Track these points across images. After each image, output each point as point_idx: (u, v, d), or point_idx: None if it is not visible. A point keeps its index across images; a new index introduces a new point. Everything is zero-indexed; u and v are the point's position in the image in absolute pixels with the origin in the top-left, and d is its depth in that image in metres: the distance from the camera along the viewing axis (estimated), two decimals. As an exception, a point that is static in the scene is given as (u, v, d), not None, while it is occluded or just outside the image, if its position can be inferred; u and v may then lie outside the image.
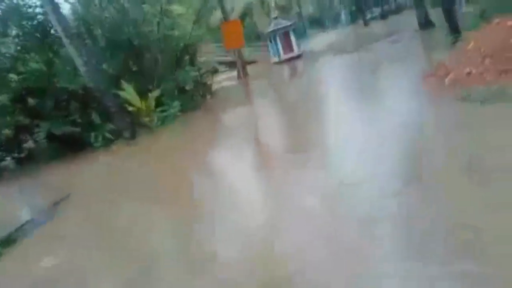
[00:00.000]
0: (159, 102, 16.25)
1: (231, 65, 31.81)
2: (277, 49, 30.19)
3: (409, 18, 33.40)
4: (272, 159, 8.68)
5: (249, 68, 32.47)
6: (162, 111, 15.67)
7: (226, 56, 33.54)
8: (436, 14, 25.02)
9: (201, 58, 22.11)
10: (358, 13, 51.57)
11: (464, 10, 15.33)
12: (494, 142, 5.83)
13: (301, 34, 47.54)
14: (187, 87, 17.43)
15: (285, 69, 26.80)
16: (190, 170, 9.16)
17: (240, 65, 26.84)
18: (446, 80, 9.19)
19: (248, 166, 8.57)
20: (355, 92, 12.43)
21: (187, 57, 19.89)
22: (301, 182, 6.60)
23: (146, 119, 14.79)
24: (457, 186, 5.00)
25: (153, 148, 12.53)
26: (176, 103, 16.15)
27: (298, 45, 31.03)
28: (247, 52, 36.54)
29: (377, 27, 38.66)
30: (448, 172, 5.41)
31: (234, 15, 45.71)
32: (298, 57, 29.70)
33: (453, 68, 9.35)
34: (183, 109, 17.16)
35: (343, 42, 31.92)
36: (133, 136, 13.83)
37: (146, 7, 16.90)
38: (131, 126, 14.52)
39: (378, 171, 6.06)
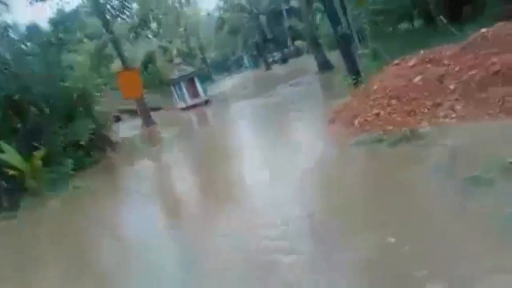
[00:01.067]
0: (48, 162, 14.24)
1: (135, 113, 30.16)
2: (183, 95, 29.37)
3: (308, 61, 35.05)
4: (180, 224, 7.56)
5: (154, 115, 31.11)
6: (52, 171, 13.68)
7: (130, 104, 31.82)
8: (333, 57, 26.37)
9: (98, 108, 20.42)
10: (259, 57, 53.22)
11: (360, 52, 15.88)
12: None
13: (206, 79, 47.55)
14: (82, 142, 15.61)
15: (192, 116, 25.99)
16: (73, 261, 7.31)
17: (144, 113, 25.43)
18: (355, 123, 8.95)
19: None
20: (262, 141, 11.94)
21: (81, 108, 18.06)
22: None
23: (31, 183, 12.71)
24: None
25: (35, 221, 10.57)
26: (68, 161, 14.26)
27: (204, 91, 30.56)
28: (150, 99, 35.23)
29: (279, 70, 40.02)
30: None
31: (137, 61, 44.48)
32: (206, 102, 29.16)
33: (359, 110, 9.18)
34: (79, 167, 15.27)
35: (247, 87, 32.27)
36: (13, 207, 11.66)
37: (32, 59, 15.12)
38: (11, 194, 12.37)
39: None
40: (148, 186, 11.26)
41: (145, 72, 42.73)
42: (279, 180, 7.51)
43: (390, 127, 8.00)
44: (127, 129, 25.75)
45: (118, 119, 33.50)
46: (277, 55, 53.48)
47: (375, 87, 9.38)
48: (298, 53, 51.38)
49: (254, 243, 5.45)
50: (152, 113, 32.16)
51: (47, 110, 15.61)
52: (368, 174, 6.81)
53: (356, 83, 14.21)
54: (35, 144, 14.73)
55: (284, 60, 49.91)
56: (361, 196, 6.02)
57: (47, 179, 13.32)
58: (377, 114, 8.62)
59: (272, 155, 9.66)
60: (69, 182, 13.45)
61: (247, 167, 9.42)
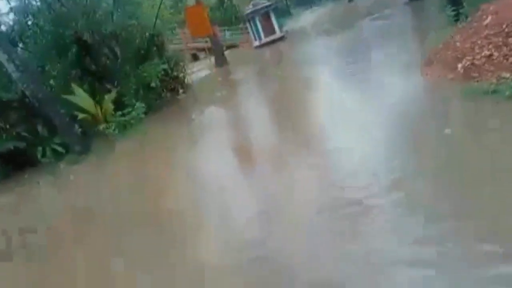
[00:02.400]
0: (120, 105, 14.09)
1: (210, 51, 29.38)
2: (258, 32, 27.84)
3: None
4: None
5: (229, 53, 30.13)
6: (123, 114, 13.50)
7: (205, 41, 31.07)
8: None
9: (171, 47, 19.85)
10: (342, -12, 49.05)
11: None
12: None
13: (284, 13, 45.03)
14: (153, 84, 15.20)
15: (267, 54, 24.58)
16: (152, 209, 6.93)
17: (216, 52, 24.55)
18: (459, 66, 7.20)
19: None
20: (344, 88, 10.34)
21: (154, 49, 17.57)
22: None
23: (103, 127, 12.63)
24: None
25: (105, 167, 10.43)
26: (139, 104, 13.96)
27: (280, 27, 28.69)
28: (227, 35, 34.15)
29: (363, 2, 36.38)
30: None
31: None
32: (281, 39, 27.41)
33: (464, 51, 7.35)
34: (150, 110, 15.02)
35: (328, 21, 29.67)
36: (85, 150, 11.67)
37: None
38: (83, 138, 12.41)
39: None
40: (224, 134, 10.52)
41: (221, 8, 41.49)
42: (364, 146, 6.15)
43: (507, 75, 6.22)
44: (201, 69, 25.26)
45: (195, 57, 33.14)
46: (360, -16, 48.85)
47: (486, 21, 7.39)
48: (384, -19, 46.48)
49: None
50: (227, 51, 31.48)
51: (118, 51, 15.21)
52: (492, 145, 4.98)
53: (457, 16, 11.90)
54: (108, 87, 14.64)
55: (368, -10, 45.49)
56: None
57: (118, 123, 13.17)
58: (489, 56, 6.78)
59: (357, 106, 8.16)
60: (140, 125, 13.20)
61: (326, 124, 8.05)
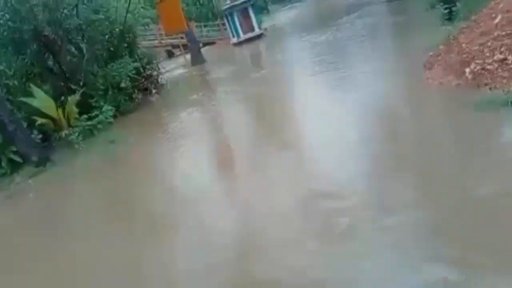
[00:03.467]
0: (86, 107, 12.85)
1: (185, 48, 28.08)
2: (236, 29, 26.75)
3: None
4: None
5: (205, 50, 28.95)
6: (89, 118, 12.26)
7: (180, 38, 29.76)
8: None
9: (144, 44, 18.57)
10: (320, -16, 48.47)
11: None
12: None
13: (261, 10, 44.03)
14: (123, 84, 13.97)
15: (246, 52, 23.54)
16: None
17: (193, 49, 23.36)
18: (467, 71, 6.37)
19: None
20: (328, 96, 9.29)
21: (124, 46, 16.27)
22: None
23: (66, 133, 11.34)
24: None
25: (64, 183, 9.22)
26: (107, 107, 12.74)
27: (259, 23, 27.68)
28: (204, 32, 32.94)
29: (342, -1, 35.76)
30: None
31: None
32: (259, 36, 26.41)
33: (472, 53, 6.52)
34: (120, 113, 13.81)
35: (308, 19, 28.86)
36: (43, 161, 10.37)
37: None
38: (42, 146, 11.13)
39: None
40: (191, 142, 9.47)
41: (197, 3, 40.17)
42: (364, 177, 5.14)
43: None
44: (176, 67, 24.02)
45: (170, 54, 31.77)
46: (339, -19, 48.38)
47: (496, 20, 6.59)
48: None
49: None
50: (204, 48, 30.25)
51: (84, 47, 13.90)
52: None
53: (450, 14, 11.18)
54: (73, 87, 13.36)
55: (347, -13, 44.98)
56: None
57: (83, 128, 11.93)
58: (502, 61, 5.98)
59: (347, 119, 7.11)
60: (108, 131, 11.97)
61: (313, 140, 7.02)
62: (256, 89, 12.51)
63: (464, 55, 6.58)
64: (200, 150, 8.65)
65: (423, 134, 5.60)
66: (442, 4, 11.46)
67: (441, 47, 7.74)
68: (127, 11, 16.21)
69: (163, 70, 19.64)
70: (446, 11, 11.03)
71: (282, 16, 38.59)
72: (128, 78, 14.53)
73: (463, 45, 6.79)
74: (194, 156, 8.28)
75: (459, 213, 3.76)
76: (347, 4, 28.09)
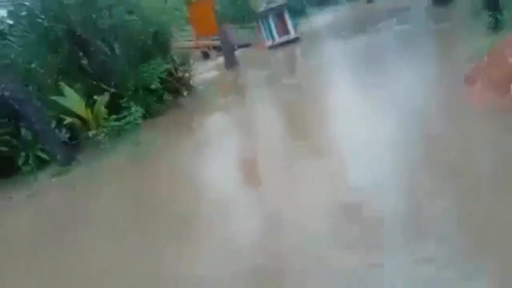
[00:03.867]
0: (116, 108, 12.89)
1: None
2: (271, 32, 26.46)
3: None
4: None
5: (241, 52, 28.81)
6: (118, 119, 12.27)
7: (217, 39, 29.73)
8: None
9: (180, 45, 18.53)
10: (360, -12, 47.52)
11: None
12: None
13: (299, 13, 43.55)
14: (153, 85, 13.93)
15: (281, 57, 23.15)
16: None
17: (227, 51, 23.21)
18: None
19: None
20: (365, 107, 8.65)
21: (157, 47, 16.27)
22: None
23: (93, 133, 11.38)
24: None
25: (87, 184, 9.17)
26: (136, 108, 12.71)
27: (295, 27, 27.25)
28: (241, 34, 32.84)
29: (382, 3, 34.76)
30: None
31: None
32: (295, 40, 25.98)
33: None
34: (149, 114, 13.79)
35: (346, 23, 28.18)
36: (68, 161, 10.42)
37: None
38: (68, 145, 11.20)
39: None
40: (217, 147, 9.20)
41: (234, 4, 40.19)
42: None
43: None
44: (210, 69, 23.96)
45: (206, 55, 31.78)
46: (380, -15, 47.23)
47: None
48: (404, -17, 44.91)
49: None
50: (239, 51, 30.11)
51: (116, 48, 13.98)
52: None
53: (496, 23, 10.44)
54: (104, 87, 13.42)
55: (388, -8, 43.82)
56: None
57: (111, 129, 11.94)
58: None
59: (383, 140, 6.39)
60: (135, 133, 11.92)
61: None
62: (287, 96, 12.12)
63: (510, 72, 5.98)
64: (227, 156, 8.36)
65: (462, 161, 5.07)
66: (488, 12, 10.74)
67: (484, 60, 7.13)
68: (163, 11, 16.30)
69: (196, 72, 19.64)
70: (491, 19, 10.32)
71: (319, 19, 37.96)
72: (159, 80, 14.48)
73: (510, 59, 6.19)
74: (220, 162, 7.99)
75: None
76: (386, 9, 27.28)
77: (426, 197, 4.47)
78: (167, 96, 14.76)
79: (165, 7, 16.76)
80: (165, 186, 7.57)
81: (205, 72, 20.35)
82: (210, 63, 26.85)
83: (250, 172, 7.32)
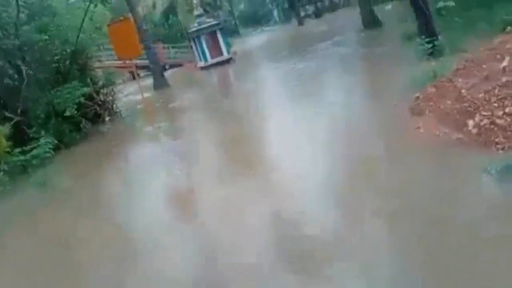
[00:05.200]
0: (23, 139, 11.13)
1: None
2: (203, 52, 25.46)
3: (346, 16, 30.24)
4: None
5: (172, 73, 27.55)
6: (23, 152, 10.49)
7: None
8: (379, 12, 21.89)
9: (104, 64, 16.90)
10: (291, 11, 48.45)
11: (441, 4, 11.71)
12: None
13: (232, 33, 43.25)
14: (67, 112, 12.23)
15: (214, 78, 22.23)
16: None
17: (156, 72, 21.82)
18: (471, 125, 5.18)
19: None
20: (301, 144, 7.69)
21: (76, 68, 14.58)
22: None
23: (-11, 170, 9.55)
24: None
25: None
26: (46, 140, 10.97)
27: (228, 47, 26.52)
28: (172, 54, 31.61)
29: (313, 26, 35.29)
30: None
31: (157, 11, 40.58)
32: (228, 61, 25.21)
33: (477, 102, 5.36)
34: (64, 145, 12.09)
35: (278, 45, 27.98)
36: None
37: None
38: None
39: None
40: (137, 187, 7.87)
41: (165, 24, 39.03)
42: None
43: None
44: (137, 91, 22.33)
45: (134, 75, 30.04)
46: (310, 8, 48.50)
47: (504, 63, 5.49)
48: (333, 7, 46.55)
49: None
50: (171, 71, 28.81)
51: (24, 71, 12.17)
52: None
53: (433, 49, 10.23)
54: (8, 115, 11.60)
55: (317, 15, 45.03)
56: None
57: (15, 165, 10.14)
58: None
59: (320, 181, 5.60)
60: (43, 169, 10.14)
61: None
62: (220, 123, 11.11)
63: (466, 104, 5.41)
64: (149, 197, 7.09)
65: (425, 207, 4.28)
66: (423, 37, 10.51)
67: (431, 89, 6.57)
68: (80, 30, 14.70)
69: (121, 95, 18.08)
70: (428, 45, 10.07)
71: (253, 40, 37.81)
72: (76, 105, 12.82)
73: (463, 91, 5.63)
74: (141, 207, 6.70)
75: None
76: (319, 32, 27.52)
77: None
78: (84, 124, 13.10)
79: (84, 26, 15.18)
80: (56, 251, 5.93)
81: (132, 94, 18.74)
82: (139, 84, 25.20)
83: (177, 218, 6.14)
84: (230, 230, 5.02)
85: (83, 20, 14.51)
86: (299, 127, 8.38)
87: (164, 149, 10.25)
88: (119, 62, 25.50)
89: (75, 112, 12.59)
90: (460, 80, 5.99)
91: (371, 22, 21.22)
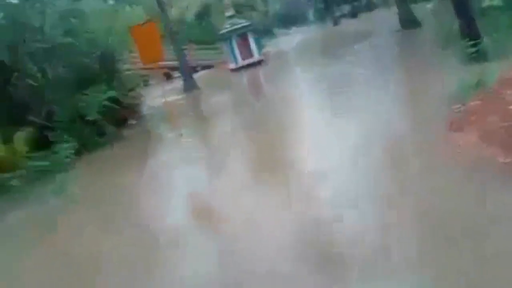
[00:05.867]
0: (45, 143, 11.03)
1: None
2: (234, 54, 25.11)
3: (383, 17, 29.06)
4: None
5: (202, 75, 27.33)
6: (44, 157, 10.35)
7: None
8: (419, 11, 20.70)
9: (136, 67, 16.79)
10: (326, 10, 47.43)
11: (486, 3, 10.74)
12: None
13: (267, 33, 42.77)
14: (91, 116, 12.05)
15: (244, 81, 21.78)
16: None
17: (186, 74, 21.58)
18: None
19: None
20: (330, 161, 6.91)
21: (103, 71, 14.47)
22: None
23: (5, 175, 9.40)
24: None
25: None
26: (68, 144, 10.82)
27: (259, 49, 26.04)
28: (204, 56, 31.47)
29: (349, 26, 34.25)
30: None
31: (190, 13, 40.55)
32: (259, 63, 24.73)
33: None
34: (86, 149, 11.93)
35: (312, 46, 27.24)
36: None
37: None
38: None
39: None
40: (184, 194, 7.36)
41: (199, 25, 39.03)
42: None
43: None
44: (167, 92, 22.20)
45: (169, 76, 30.06)
46: (346, 8, 47.27)
47: None
48: (370, 6, 45.14)
49: None
50: (201, 72, 28.64)
51: (49, 73, 12.11)
52: None
53: (478, 54, 9.29)
54: (31, 118, 11.54)
55: (354, 15, 43.79)
56: None
57: (34, 170, 9.99)
58: None
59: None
60: (63, 175, 9.90)
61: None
62: (250, 129, 10.59)
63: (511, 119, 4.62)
64: (172, 211, 6.61)
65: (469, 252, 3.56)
66: (467, 39, 9.58)
67: (474, 102, 5.76)
68: (110, 32, 14.62)
69: (150, 97, 17.96)
70: (473, 49, 9.14)
71: (287, 41, 37.15)
72: (102, 109, 12.68)
73: (510, 107, 4.83)
74: (163, 223, 6.22)
75: None
76: (354, 32, 26.57)
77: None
78: (109, 128, 12.89)
79: (112, 28, 15.09)
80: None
81: (161, 96, 18.55)
82: (170, 86, 25.15)
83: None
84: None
85: (112, 22, 14.42)
86: (330, 136, 7.75)
87: (186, 154, 9.80)
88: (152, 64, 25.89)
89: (99, 116, 12.41)
90: (509, 92, 5.17)
91: (409, 22, 20.13)
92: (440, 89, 8.14)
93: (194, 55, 29.90)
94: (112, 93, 13.55)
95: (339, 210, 4.74)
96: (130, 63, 19.70)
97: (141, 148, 11.88)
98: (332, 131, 8.17)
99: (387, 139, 6.68)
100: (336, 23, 40.70)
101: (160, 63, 16.37)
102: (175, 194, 7.45)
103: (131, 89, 15.78)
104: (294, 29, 52.27)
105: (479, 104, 5.55)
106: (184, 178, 8.20)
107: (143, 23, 12.10)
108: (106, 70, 14.70)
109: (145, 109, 16.06)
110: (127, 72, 16.77)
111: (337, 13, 44.65)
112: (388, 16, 24.27)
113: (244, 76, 22.40)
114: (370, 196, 4.87)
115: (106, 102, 13.02)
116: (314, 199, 5.31)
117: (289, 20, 61.13)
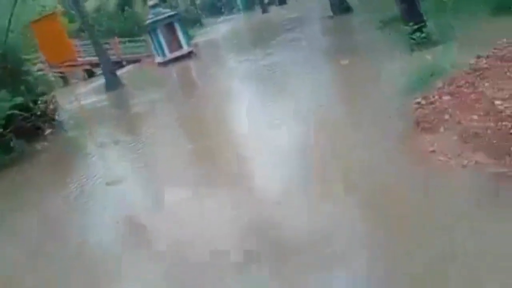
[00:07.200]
0: None
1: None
2: (161, 46, 23.27)
3: (312, 3, 28.65)
4: None
5: (127, 71, 25.33)
6: None
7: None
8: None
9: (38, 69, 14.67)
10: (254, -3, 46.81)
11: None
12: None
13: (194, 23, 41.07)
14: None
15: (171, 74, 20.27)
16: None
17: (106, 71, 19.56)
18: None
19: None
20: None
21: (5, 74, 12.36)
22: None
23: None
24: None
25: None
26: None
27: (188, 40, 24.42)
28: (129, 49, 29.26)
29: (278, 13, 33.57)
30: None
31: (111, 2, 37.72)
32: (189, 55, 23.16)
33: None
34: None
35: (244, 34, 26.20)
36: None
37: None
38: None
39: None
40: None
41: (121, 16, 36.35)
42: None
43: None
44: (88, 92, 20.14)
45: (91, 73, 27.59)
46: (273, -5, 46.77)
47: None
48: (298, -7, 44.97)
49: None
50: (127, 68, 26.61)
51: None
52: None
53: (423, 38, 8.72)
54: None
55: (282, 1, 43.35)
56: None
57: None
58: None
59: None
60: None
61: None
62: (183, 133, 9.34)
63: (506, 123, 3.85)
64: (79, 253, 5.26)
65: None
66: (410, 23, 8.98)
67: (445, 97, 4.98)
68: (8, 29, 12.48)
69: (68, 100, 15.92)
70: (419, 34, 8.54)
71: (216, 30, 35.77)
72: (4, 120, 10.75)
73: (498, 102, 4.07)
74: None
75: None
76: (285, 20, 25.80)
77: None
78: (15, 142, 10.96)
79: (14, 25, 12.90)
80: None
81: (82, 96, 16.50)
82: (90, 85, 22.93)
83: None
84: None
85: (10, 17, 12.24)
86: (269, 139, 6.73)
87: (108, 169, 8.39)
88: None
89: (3, 128, 10.48)
90: (486, 84, 4.42)
91: (340, 8, 19.69)
92: (391, 79, 7.45)
93: (119, 49, 27.72)
94: (19, 99, 11.61)
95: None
96: (43, 62, 17.44)
97: (57, 165, 10.16)
98: (275, 127, 7.19)
99: (345, 135, 5.80)
100: (265, 10, 39.93)
101: (73, 61, 14.44)
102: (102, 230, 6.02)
103: (44, 93, 13.73)
104: (222, 18, 50.91)
105: (451, 99, 4.77)
106: (111, 204, 6.78)
107: (43, 17, 10.24)
108: (10, 72, 12.62)
109: (62, 115, 14.09)
110: (38, 73, 14.60)
111: (266, 0, 43.95)
112: (318, 2, 23.82)
113: (173, 70, 20.85)
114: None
115: (12, 111, 11.13)
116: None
117: (217, 8, 59.60)
